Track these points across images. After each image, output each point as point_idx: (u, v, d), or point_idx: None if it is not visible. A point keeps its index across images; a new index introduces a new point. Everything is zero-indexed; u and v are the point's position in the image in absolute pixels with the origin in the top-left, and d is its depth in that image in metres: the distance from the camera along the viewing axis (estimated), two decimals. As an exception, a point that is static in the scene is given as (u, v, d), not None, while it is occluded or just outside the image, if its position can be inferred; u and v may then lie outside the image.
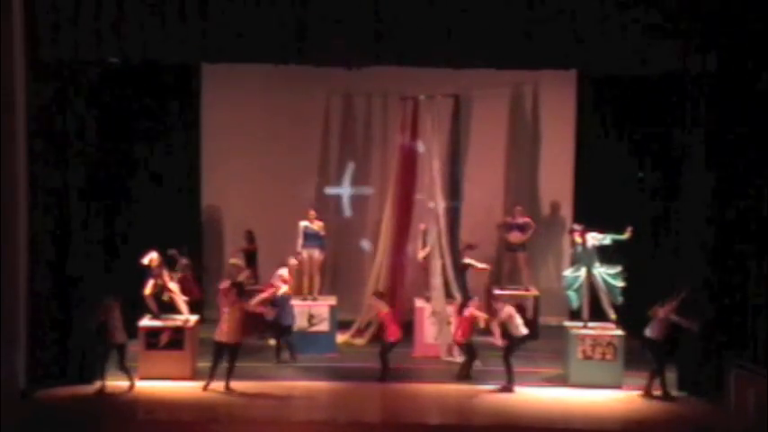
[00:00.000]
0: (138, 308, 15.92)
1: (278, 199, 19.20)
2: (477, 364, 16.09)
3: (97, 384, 14.83)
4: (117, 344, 14.83)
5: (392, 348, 15.71)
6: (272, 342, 16.73)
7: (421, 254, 17.53)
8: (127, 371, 14.91)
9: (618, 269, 15.77)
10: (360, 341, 17.54)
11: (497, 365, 15.89)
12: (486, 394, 15.13)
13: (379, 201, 18.98)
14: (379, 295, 16.35)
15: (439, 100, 17.84)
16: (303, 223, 17.46)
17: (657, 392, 15.07)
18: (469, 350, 15.89)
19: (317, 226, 17.51)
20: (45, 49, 14.47)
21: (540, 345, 17.68)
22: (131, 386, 14.89)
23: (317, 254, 17.52)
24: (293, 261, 17.25)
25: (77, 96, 14.91)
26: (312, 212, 17.62)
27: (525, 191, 19.53)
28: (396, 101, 18.30)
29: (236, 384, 15.02)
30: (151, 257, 15.58)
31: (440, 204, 17.56)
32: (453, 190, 18.39)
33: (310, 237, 17.47)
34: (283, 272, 16.71)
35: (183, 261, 16.96)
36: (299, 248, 17.38)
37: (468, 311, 15.83)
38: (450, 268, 17.47)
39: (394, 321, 15.81)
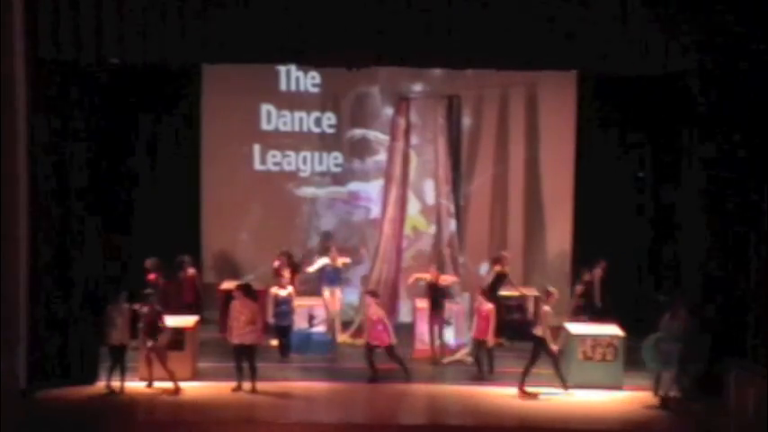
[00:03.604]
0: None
1: (279, 198, 19.21)
2: (469, 360, 16.21)
3: (101, 385, 14.86)
4: (117, 345, 14.83)
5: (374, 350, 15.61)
6: (274, 342, 16.73)
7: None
8: (122, 373, 14.88)
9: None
10: (360, 341, 17.51)
11: (496, 365, 15.94)
12: (486, 394, 15.12)
13: (380, 200, 18.94)
14: (372, 294, 16.11)
15: (433, 100, 17.84)
16: (323, 260, 17.31)
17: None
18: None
19: (340, 263, 17.48)
20: (45, 49, 14.47)
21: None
22: (121, 388, 14.83)
23: (338, 293, 17.50)
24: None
25: (78, 97, 14.91)
26: (334, 249, 17.51)
27: (525, 191, 19.52)
28: (395, 101, 18.32)
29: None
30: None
31: (443, 204, 17.60)
32: (454, 190, 18.33)
33: (330, 275, 17.38)
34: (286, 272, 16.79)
35: (190, 270, 17.39)
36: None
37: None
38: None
39: (386, 327, 15.62)
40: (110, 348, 14.87)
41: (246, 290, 15.22)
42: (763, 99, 14.69)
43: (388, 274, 17.91)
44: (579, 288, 17.31)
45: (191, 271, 17.44)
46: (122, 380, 14.85)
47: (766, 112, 14.71)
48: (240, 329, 14.81)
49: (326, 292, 17.44)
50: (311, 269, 17.61)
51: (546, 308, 15.12)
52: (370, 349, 15.59)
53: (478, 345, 15.80)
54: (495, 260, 17.74)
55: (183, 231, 18.56)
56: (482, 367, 15.74)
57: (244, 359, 14.81)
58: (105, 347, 14.97)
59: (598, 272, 17.41)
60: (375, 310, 15.63)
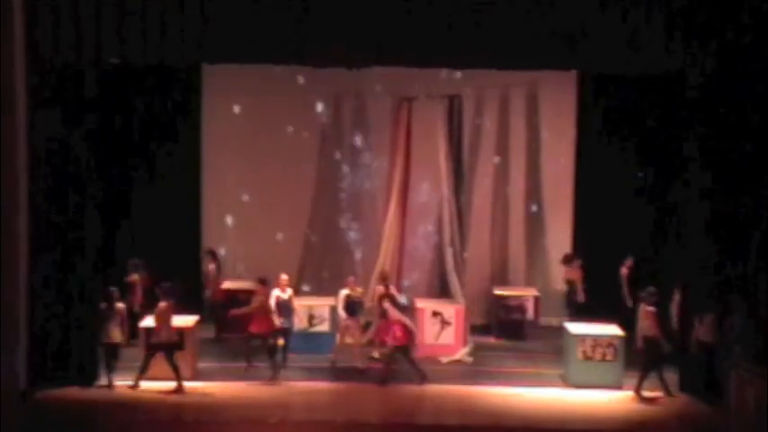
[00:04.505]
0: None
1: (278, 197, 19.21)
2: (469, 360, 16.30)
3: (103, 382, 14.94)
4: (109, 343, 14.92)
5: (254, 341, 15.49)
6: (281, 341, 16.67)
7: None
8: (111, 371, 14.98)
9: None
10: (363, 339, 17.49)
11: (495, 366, 15.96)
12: (486, 395, 15.12)
13: (381, 201, 18.93)
14: (262, 282, 15.83)
15: (434, 101, 17.84)
16: (344, 292, 16.63)
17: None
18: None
19: (358, 293, 16.83)
20: (45, 50, 14.48)
21: (540, 345, 17.73)
22: (111, 385, 14.95)
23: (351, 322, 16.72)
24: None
25: (78, 97, 14.91)
26: (351, 278, 16.94)
27: (526, 190, 19.52)
28: (396, 101, 18.33)
29: (236, 384, 15.12)
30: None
31: (447, 204, 17.60)
32: (456, 189, 18.32)
33: (352, 305, 16.68)
34: (284, 276, 16.69)
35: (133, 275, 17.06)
36: (342, 317, 16.59)
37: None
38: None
39: (267, 315, 15.58)
40: (103, 346, 14.98)
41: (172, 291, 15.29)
42: (763, 99, 14.69)
43: (390, 275, 17.91)
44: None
45: (133, 276, 16.96)
46: (110, 377, 14.96)
47: (765, 112, 14.72)
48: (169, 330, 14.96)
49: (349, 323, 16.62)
50: (339, 307, 16.72)
51: (649, 308, 14.93)
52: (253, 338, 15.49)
53: (398, 352, 15.48)
54: (570, 260, 17.86)
55: (183, 231, 18.56)
56: (417, 372, 15.51)
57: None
58: (102, 346, 15.04)
59: (624, 270, 17.57)
60: (262, 297, 15.53)
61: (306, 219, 19.43)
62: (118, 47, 14.54)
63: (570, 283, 17.99)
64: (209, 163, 19.25)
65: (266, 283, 15.89)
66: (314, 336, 16.94)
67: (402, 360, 15.54)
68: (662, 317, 15.06)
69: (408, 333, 15.55)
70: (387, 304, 15.73)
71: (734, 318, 14.58)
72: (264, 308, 15.62)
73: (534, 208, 19.45)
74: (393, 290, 16.66)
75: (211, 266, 17.94)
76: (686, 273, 15.53)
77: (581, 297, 17.82)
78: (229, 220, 19.27)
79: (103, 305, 14.93)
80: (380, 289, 16.40)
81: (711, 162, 15.03)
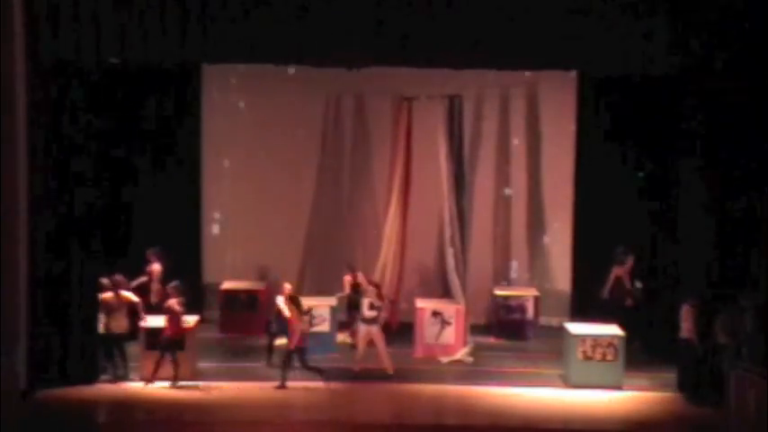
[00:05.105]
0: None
1: (279, 198, 19.21)
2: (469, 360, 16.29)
3: (100, 385, 15.01)
4: (110, 333, 15.05)
5: (294, 355, 15.07)
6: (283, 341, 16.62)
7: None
8: (119, 362, 15.12)
9: None
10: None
11: (495, 366, 15.94)
12: (486, 394, 15.11)
13: (382, 201, 18.92)
14: (175, 288, 15.30)
15: (434, 101, 17.85)
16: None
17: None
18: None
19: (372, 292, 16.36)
20: (45, 50, 14.49)
21: (540, 345, 17.72)
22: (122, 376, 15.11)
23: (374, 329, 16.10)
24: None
25: (78, 97, 14.91)
26: (364, 280, 16.80)
27: (526, 191, 19.52)
28: (396, 101, 18.34)
29: (236, 385, 15.12)
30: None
31: (448, 204, 17.61)
32: (457, 189, 18.33)
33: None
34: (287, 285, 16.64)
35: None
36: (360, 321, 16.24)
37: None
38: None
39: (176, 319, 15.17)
40: (103, 338, 15.07)
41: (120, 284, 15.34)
42: (764, 99, 14.69)
43: (391, 276, 17.92)
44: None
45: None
46: (119, 370, 15.14)
47: (765, 112, 14.72)
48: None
49: (362, 329, 16.12)
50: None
51: (688, 308, 14.84)
52: (290, 353, 15.15)
53: (293, 353, 15.18)
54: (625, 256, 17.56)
55: (183, 231, 18.57)
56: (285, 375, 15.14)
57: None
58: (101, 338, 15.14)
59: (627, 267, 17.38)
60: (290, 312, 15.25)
61: (306, 219, 19.43)
62: (118, 47, 14.55)
63: (618, 280, 17.29)
64: (209, 162, 19.26)
65: (179, 288, 15.39)
66: (314, 336, 16.90)
67: (298, 361, 15.19)
68: (697, 318, 14.86)
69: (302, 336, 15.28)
70: (284, 304, 15.42)
71: (744, 318, 14.57)
72: (174, 313, 15.15)
73: (534, 207, 19.46)
74: (364, 281, 16.76)
75: (156, 266, 16.98)
76: (688, 273, 15.55)
77: (630, 301, 17.16)
78: (229, 219, 19.26)
79: (101, 297, 15.05)
80: (288, 287, 15.69)
81: (712, 162, 15.04)
